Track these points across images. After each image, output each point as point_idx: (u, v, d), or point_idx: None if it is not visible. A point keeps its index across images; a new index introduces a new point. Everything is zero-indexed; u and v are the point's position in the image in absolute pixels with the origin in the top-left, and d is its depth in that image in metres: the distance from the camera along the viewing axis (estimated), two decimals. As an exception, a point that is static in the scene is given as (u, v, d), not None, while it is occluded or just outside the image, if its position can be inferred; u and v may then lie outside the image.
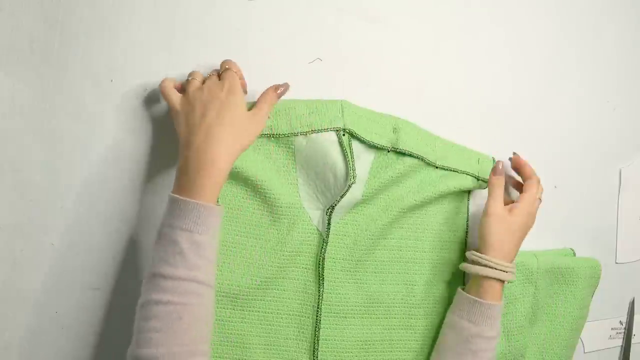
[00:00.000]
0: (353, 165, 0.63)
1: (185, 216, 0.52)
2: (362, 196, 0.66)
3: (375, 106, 0.70)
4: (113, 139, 0.62)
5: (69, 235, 0.62)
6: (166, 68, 0.63)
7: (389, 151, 0.67)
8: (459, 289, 0.68)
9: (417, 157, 0.68)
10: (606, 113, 0.81)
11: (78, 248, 0.62)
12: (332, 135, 0.63)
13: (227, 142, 0.55)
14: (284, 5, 0.66)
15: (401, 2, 0.70)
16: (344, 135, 0.64)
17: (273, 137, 0.64)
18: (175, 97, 0.59)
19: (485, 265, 0.64)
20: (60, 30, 0.60)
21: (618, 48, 0.81)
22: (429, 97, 0.72)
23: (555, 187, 0.79)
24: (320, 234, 0.66)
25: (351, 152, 0.64)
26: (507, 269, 0.64)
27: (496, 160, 0.72)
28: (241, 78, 0.61)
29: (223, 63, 0.61)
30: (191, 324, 0.51)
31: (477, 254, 0.65)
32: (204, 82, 0.59)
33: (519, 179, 0.73)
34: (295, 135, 0.63)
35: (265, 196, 0.63)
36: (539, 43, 0.77)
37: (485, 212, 0.66)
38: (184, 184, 0.54)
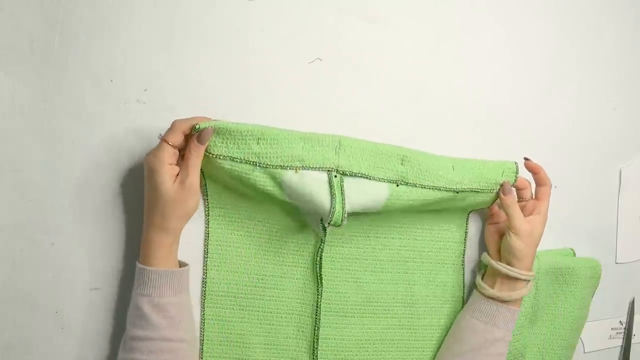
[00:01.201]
0: (343, 205, 0.59)
1: (144, 283, 0.56)
2: (379, 211, 0.64)
3: (375, 106, 0.70)
4: (113, 139, 0.62)
5: (69, 235, 0.62)
6: (166, 68, 0.63)
7: (398, 185, 0.63)
8: (476, 292, 0.69)
9: (431, 188, 0.64)
10: (606, 113, 0.81)
11: (78, 248, 0.62)
12: (323, 175, 0.60)
13: (160, 231, 0.57)
14: (284, 5, 0.66)
15: (401, 2, 0.70)
16: (335, 176, 0.60)
17: (259, 165, 0.58)
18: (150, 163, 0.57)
19: (515, 279, 0.66)
20: (60, 30, 0.60)
21: (618, 48, 0.81)
22: (429, 97, 0.72)
23: (555, 187, 0.79)
24: (317, 233, 0.66)
25: (342, 194, 0.60)
26: (531, 277, 0.67)
27: (517, 164, 0.68)
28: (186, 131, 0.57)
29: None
30: None
31: (509, 267, 0.66)
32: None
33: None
34: (285, 169, 0.59)
35: (262, 196, 0.63)
36: (539, 43, 0.77)
37: (513, 232, 0.66)
38: (142, 253, 0.58)
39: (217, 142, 0.58)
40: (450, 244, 0.72)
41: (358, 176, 0.61)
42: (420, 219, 0.71)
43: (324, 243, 0.65)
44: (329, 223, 0.59)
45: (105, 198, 0.62)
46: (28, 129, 0.60)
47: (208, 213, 0.64)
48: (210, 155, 0.58)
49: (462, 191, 0.65)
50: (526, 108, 0.77)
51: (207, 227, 0.64)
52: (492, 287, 0.67)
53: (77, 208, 0.62)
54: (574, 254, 0.79)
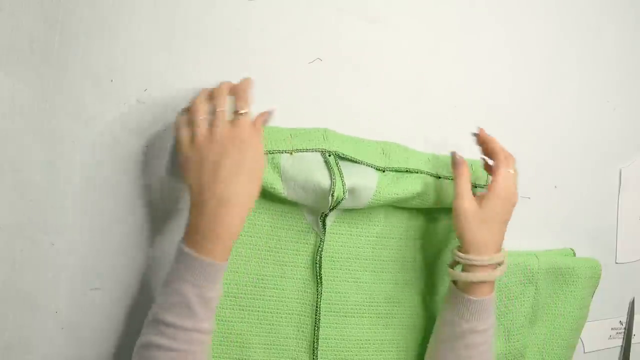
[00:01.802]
0: (342, 180, 0.61)
1: (195, 272, 0.52)
2: (368, 204, 0.64)
3: (375, 106, 0.70)
4: (113, 139, 0.62)
5: (69, 235, 0.62)
6: (166, 68, 0.63)
7: (384, 171, 0.65)
8: (451, 283, 0.65)
9: (416, 172, 0.67)
10: (606, 113, 0.81)
11: (78, 248, 0.62)
12: (318, 156, 0.63)
13: (242, 206, 0.54)
14: (284, 5, 0.66)
15: (401, 2, 0.70)
16: (329, 155, 0.63)
17: None
18: (186, 144, 0.55)
19: (472, 265, 0.61)
20: (60, 30, 0.60)
21: (618, 48, 0.81)
22: (429, 97, 0.72)
23: (555, 187, 0.79)
24: (317, 233, 0.66)
25: (339, 170, 0.62)
26: (493, 261, 0.61)
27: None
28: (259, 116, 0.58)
29: (236, 93, 0.57)
30: None
31: (461, 254, 0.62)
32: (212, 123, 0.55)
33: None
34: (280, 152, 0.62)
35: (262, 196, 0.63)
36: (539, 43, 0.77)
37: (454, 212, 0.62)
38: (198, 241, 0.53)
39: None
40: (450, 244, 0.72)
41: (348, 159, 0.64)
42: (419, 219, 0.71)
43: (323, 243, 0.65)
44: (331, 197, 0.60)
45: (105, 198, 0.62)
46: (28, 129, 0.60)
47: None
48: None
49: (444, 177, 0.68)
50: (526, 108, 0.77)
51: None
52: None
53: (77, 208, 0.62)
54: (574, 254, 0.79)
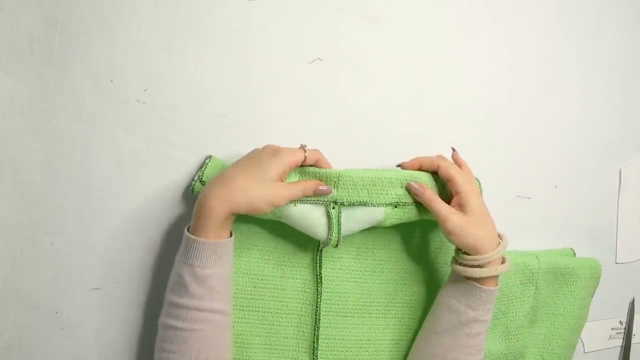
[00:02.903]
0: (340, 234, 0.61)
1: (188, 252, 0.56)
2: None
3: (375, 106, 0.70)
4: (113, 139, 0.62)
5: (69, 235, 0.62)
6: (166, 68, 0.63)
7: (395, 207, 0.63)
8: (456, 273, 0.64)
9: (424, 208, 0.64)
10: (606, 113, 0.81)
11: (78, 248, 0.62)
12: (321, 208, 0.61)
13: (228, 196, 0.56)
14: (284, 5, 0.66)
15: (401, 2, 0.70)
16: (333, 208, 0.61)
17: None
18: None
19: (479, 266, 0.62)
20: (60, 30, 0.60)
21: (618, 48, 0.81)
22: (428, 97, 0.72)
23: (555, 187, 0.79)
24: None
25: (339, 224, 0.61)
26: (499, 253, 0.61)
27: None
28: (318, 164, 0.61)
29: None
30: (201, 349, 0.55)
31: (468, 257, 0.62)
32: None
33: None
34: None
35: None
36: (539, 43, 0.77)
37: (448, 233, 0.62)
38: (193, 222, 0.57)
39: (209, 174, 0.61)
40: (451, 244, 0.72)
41: (356, 204, 0.62)
42: (421, 219, 0.70)
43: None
44: (324, 243, 0.62)
45: (105, 198, 0.62)
46: (28, 129, 0.60)
47: None
48: (203, 183, 0.61)
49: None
50: (526, 108, 0.77)
51: None
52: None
53: (77, 208, 0.62)
54: (574, 254, 0.79)
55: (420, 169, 0.65)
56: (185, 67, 0.63)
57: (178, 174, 0.64)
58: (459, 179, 0.62)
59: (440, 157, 0.65)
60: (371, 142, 0.70)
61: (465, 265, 0.63)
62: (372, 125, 0.70)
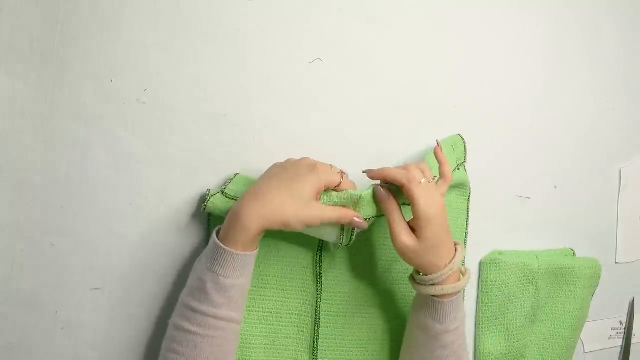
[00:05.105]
0: (352, 240, 0.61)
1: (215, 259, 0.55)
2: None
3: (375, 106, 0.70)
4: (113, 139, 0.62)
5: (69, 235, 0.62)
6: (166, 68, 0.63)
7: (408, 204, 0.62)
8: (413, 285, 0.62)
9: None
10: (606, 113, 0.81)
11: (78, 248, 0.62)
12: (337, 228, 0.60)
13: (262, 211, 0.55)
14: (284, 5, 0.66)
15: (401, 3, 0.70)
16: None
17: None
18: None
19: (437, 284, 0.60)
20: (60, 30, 0.60)
21: (618, 48, 0.81)
22: (429, 97, 0.72)
23: (555, 187, 0.79)
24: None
25: (351, 235, 0.61)
26: (453, 270, 0.59)
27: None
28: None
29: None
30: (210, 356, 0.55)
31: (421, 277, 0.60)
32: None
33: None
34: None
35: None
36: (539, 43, 0.77)
37: (396, 249, 0.60)
38: (223, 231, 0.57)
39: (232, 188, 0.62)
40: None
41: (372, 218, 0.61)
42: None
43: (324, 243, 0.65)
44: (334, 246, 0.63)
45: (105, 198, 0.62)
46: (28, 129, 0.60)
47: (209, 214, 0.64)
48: (226, 195, 0.61)
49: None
50: (526, 108, 0.77)
51: (208, 228, 0.64)
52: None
53: (77, 208, 0.62)
54: (574, 254, 0.79)
55: (385, 182, 0.62)
56: (185, 67, 0.63)
57: (178, 174, 0.64)
58: (420, 203, 0.58)
59: (408, 171, 0.60)
60: (371, 142, 0.70)
61: (420, 284, 0.61)
62: (372, 125, 0.70)
